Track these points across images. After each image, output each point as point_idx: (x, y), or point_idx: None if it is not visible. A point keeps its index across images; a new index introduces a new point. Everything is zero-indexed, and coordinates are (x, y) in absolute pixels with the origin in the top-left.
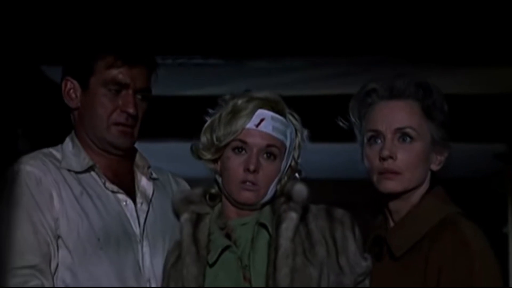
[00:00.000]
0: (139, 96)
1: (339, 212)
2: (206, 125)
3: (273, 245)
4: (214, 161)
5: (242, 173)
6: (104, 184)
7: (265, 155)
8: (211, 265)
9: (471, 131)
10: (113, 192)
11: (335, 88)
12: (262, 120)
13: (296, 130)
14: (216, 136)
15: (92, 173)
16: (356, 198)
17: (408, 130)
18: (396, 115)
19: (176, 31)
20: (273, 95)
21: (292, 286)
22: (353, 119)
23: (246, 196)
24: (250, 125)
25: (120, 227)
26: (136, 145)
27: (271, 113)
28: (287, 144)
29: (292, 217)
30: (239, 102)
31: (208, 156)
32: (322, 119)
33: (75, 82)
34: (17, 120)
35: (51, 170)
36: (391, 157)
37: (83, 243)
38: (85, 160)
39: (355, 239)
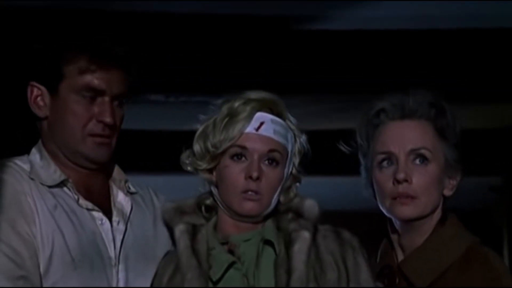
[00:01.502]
0: (115, 103)
1: (347, 234)
2: (198, 132)
3: (284, 267)
4: (209, 170)
5: (243, 181)
6: (78, 201)
7: (267, 161)
8: (215, 282)
9: (467, 164)
10: (87, 209)
11: (334, 123)
12: (262, 123)
13: (295, 135)
14: (211, 143)
15: (64, 188)
16: (356, 229)
17: (423, 151)
18: (409, 135)
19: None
20: (272, 96)
21: None
22: (360, 142)
23: (249, 207)
24: (250, 129)
25: (95, 248)
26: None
27: (270, 116)
28: (289, 148)
29: (306, 237)
30: (236, 105)
31: (203, 165)
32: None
33: (42, 88)
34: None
35: (24, 179)
36: (406, 180)
37: (57, 261)
38: (56, 173)
39: (367, 266)
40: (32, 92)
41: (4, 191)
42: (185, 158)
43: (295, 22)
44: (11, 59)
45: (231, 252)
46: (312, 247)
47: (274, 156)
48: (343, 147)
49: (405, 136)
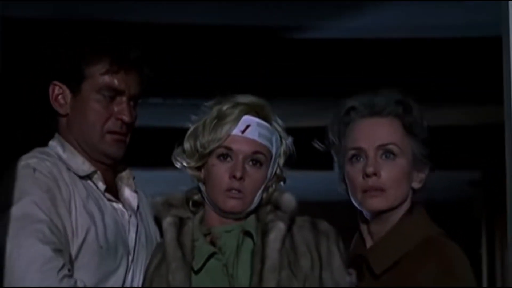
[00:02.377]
0: (132, 103)
1: (324, 225)
2: (189, 131)
3: (259, 255)
4: (198, 168)
5: (227, 180)
6: (104, 192)
7: (251, 162)
8: (196, 272)
9: (448, 159)
10: (110, 201)
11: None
12: (248, 126)
13: (281, 137)
14: (200, 143)
15: (89, 180)
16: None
17: (391, 147)
18: (378, 132)
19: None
20: (259, 101)
21: None
22: (332, 139)
23: (232, 204)
24: (236, 131)
25: (119, 238)
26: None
27: (256, 119)
28: (273, 151)
29: (280, 227)
30: (224, 108)
31: (191, 163)
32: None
33: (64, 87)
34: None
35: (60, 167)
36: (375, 174)
37: (86, 249)
38: (84, 164)
39: (340, 254)
40: (54, 90)
41: (45, 174)
42: (176, 155)
43: (286, 32)
44: (34, 61)
45: (213, 243)
46: (287, 237)
47: (258, 157)
48: (317, 145)
49: (374, 132)
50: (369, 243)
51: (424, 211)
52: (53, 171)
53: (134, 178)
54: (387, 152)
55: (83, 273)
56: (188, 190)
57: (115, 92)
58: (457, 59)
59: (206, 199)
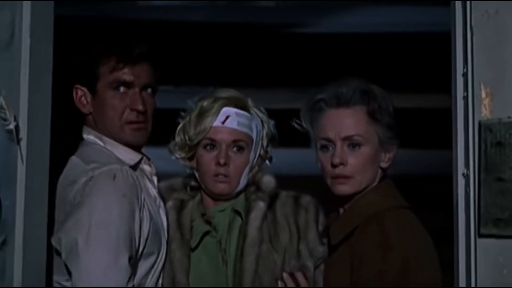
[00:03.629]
0: (145, 93)
1: (305, 199)
2: (179, 127)
3: (242, 232)
4: (190, 158)
5: (214, 167)
6: (151, 176)
7: (234, 149)
8: (193, 249)
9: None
10: (153, 186)
11: None
12: (227, 117)
13: (262, 122)
14: (188, 136)
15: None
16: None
17: (356, 138)
18: (343, 123)
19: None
20: (236, 93)
21: (257, 271)
22: (305, 125)
23: (221, 187)
24: (217, 123)
25: (162, 226)
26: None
27: (235, 110)
28: (254, 136)
29: (260, 206)
30: (205, 103)
31: (183, 154)
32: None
33: (84, 89)
34: None
35: (126, 166)
36: (342, 164)
37: (150, 240)
38: (129, 153)
39: (317, 226)
40: (77, 93)
41: (124, 179)
42: (171, 147)
43: (284, 28)
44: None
45: (208, 222)
46: (269, 213)
47: (239, 144)
48: (296, 124)
49: (340, 124)
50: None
51: (387, 186)
52: (132, 175)
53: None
54: (352, 143)
55: (148, 261)
56: (186, 175)
57: (125, 85)
58: (412, 53)
59: (201, 184)
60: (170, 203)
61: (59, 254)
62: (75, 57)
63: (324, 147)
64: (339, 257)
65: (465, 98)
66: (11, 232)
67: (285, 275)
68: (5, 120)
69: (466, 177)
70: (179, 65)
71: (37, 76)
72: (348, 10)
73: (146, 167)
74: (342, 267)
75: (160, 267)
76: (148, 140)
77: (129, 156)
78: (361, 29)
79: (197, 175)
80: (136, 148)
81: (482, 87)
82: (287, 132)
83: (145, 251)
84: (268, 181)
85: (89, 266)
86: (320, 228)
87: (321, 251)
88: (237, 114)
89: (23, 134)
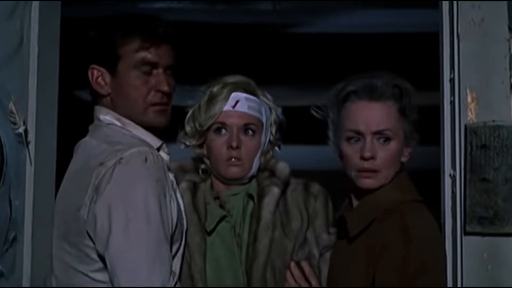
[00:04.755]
0: (167, 73)
1: (315, 187)
2: (188, 115)
3: (255, 216)
4: (200, 146)
5: (226, 151)
6: (168, 163)
7: (244, 132)
8: (209, 234)
9: None
10: (170, 171)
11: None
12: (237, 101)
13: (270, 108)
14: (198, 122)
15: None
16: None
17: (387, 132)
18: (375, 117)
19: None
20: (245, 78)
21: (270, 255)
22: (331, 115)
23: (233, 171)
24: (227, 107)
25: (181, 210)
26: None
27: (245, 95)
28: (263, 120)
29: (274, 192)
30: (215, 89)
31: (193, 142)
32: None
33: (102, 69)
34: None
35: (154, 150)
36: (372, 158)
37: (178, 227)
38: (152, 138)
39: (325, 215)
40: (93, 74)
41: (155, 163)
42: (180, 137)
43: (281, 28)
44: (72, 49)
45: (221, 206)
46: (281, 201)
47: (250, 127)
48: (315, 112)
49: (372, 117)
50: (355, 206)
51: (403, 179)
52: (161, 159)
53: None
54: (382, 137)
55: (174, 247)
56: (194, 157)
57: (150, 66)
58: (406, 52)
59: (212, 171)
60: (184, 185)
61: (81, 243)
62: (91, 35)
63: (351, 139)
64: (353, 248)
65: (452, 103)
66: (21, 230)
67: (292, 264)
68: (14, 124)
69: (453, 177)
70: (179, 65)
71: (44, 82)
72: (343, 12)
73: (164, 154)
74: (357, 258)
75: (181, 252)
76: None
77: (153, 141)
78: (355, 29)
79: (207, 162)
80: (156, 132)
81: (468, 92)
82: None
83: (174, 238)
84: (283, 167)
85: (132, 263)
86: (330, 217)
87: (326, 239)
88: (246, 98)
89: (31, 137)
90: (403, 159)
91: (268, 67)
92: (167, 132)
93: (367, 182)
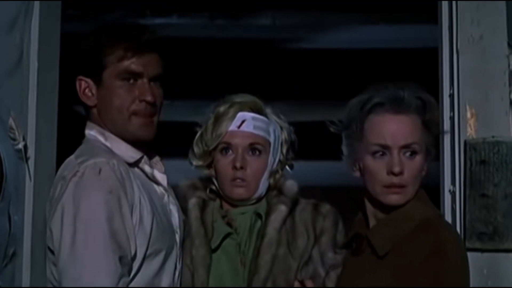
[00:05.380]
0: (154, 84)
1: (325, 207)
2: (196, 136)
3: (260, 232)
4: (208, 166)
5: (231, 171)
6: (151, 175)
7: (250, 152)
8: (214, 250)
9: None
10: (157, 184)
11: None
12: (243, 121)
13: (281, 127)
14: (205, 142)
15: (135, 168)
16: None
17: (414, 146)
18: (402, 131)
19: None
20: (251, 98)
21: (272, 271)
22: (350, 124)
23: (238, 192)
24: (233, 127)
25: (168, 220)
26: None
27: (251, 114)
28: (271, 140)
29: (282, 209)
30: (221, 109)
31: (201, 162)
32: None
33: (88, 80)
34: None
35: (122, 163)
36: (401, 173)
37: (154, 237)
38: (130, 150)
39: (332, 232)
40: (80, 85)
41: (111, 174)
42: (191, 158)
43: (280, 44)
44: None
45: (229, 224)
46: (289, 219)
47: (256, 147)
48: (330, 126)
49: (398, 131)
50: (372, 222)
51: (424, 193)
52: (120, 169)
53: (160, 160)
54: (409, 151)
55: (156, 259)
56: (204, 177)
57: (134, 76)
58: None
59: (220, 192)
60: (193, 200)
61: (49, 258)
62: (79, 47)
63: (376, 153)
64: (377, 265)
65: (452, 118)
66: (20, 245)
67: (296, 282)
68: (14, 140)
69: (452, 193)
70: (179, 80)
71: (44, 97)
72: (342, 27)
73: (146, 167)
74: (383, 276)
75: (173, 265)
76: (154, 136)
77: (129, 153)
78: (355, 45)
79: (215, 182)
80: (140, 146)
81: (467, 107)
82: None
83: (149, 250)
84: (290, 185)
85: (77, 272)
86: (338, 236)
87: (332, 258)
88: (253, 118)
89: (31, 153)
90: (423, 173)
91: (268, 82)
92: (172, 148)
93: (395, 198)
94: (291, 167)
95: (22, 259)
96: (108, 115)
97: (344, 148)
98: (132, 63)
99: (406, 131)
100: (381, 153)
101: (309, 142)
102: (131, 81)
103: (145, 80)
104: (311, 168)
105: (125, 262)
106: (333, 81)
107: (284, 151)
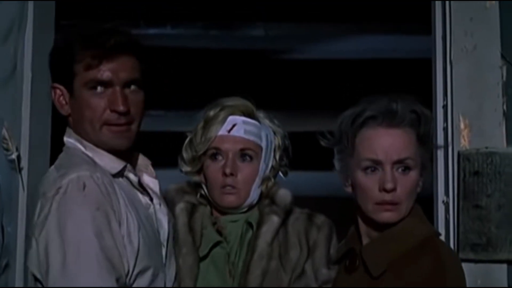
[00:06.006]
0: (129, 90)
1: (320, 218)
2: (186, 141)
3: (251, 245)
4: (198, 172)
5: (221, 178)
6: (138, 182)
7: (241, 158)
8: (202, 258)
9: None
10: (141, 193)
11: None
12: (234, 125)
13: (274, 132)
14: (194, 147)
15: (120, 178)
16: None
17: (408, 161)
18: (395, 145)
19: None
20: (242, 101)
21: (262, 286)
22: (343, 142)
23: (228, 200)
24: (223, 131)
25: (155, 233)
26: None
27: (242, 118)
28: (263, 145)
29: (274, 220)
30: (211, 112)
31: (190, 168)
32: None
33: (62, 87)
34: None
35: (106, 175)
36: (394, 190)
37: (141, 253)
38: (112, 161)
39: (326, 246)
40: (55, 93)
41: (96, 189)
42: (180, 164)
43: (273, 54)
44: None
45: (219, 232)
46: (281, 230)
47: (247, 152)
48: (321, 139)
49: (391, 145)
50: (365, 239)
51: (419, 209)
52: (105, 183)
53: (151, 165)
54: (402, 166)
55: (143, 278)
56: (194, 181)
57: (102, 84)
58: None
59: (209, 198)
60: (181, 205)
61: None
62: (52, 53)
63: (368, 168)
64: (379, 285)
65: (445, 129)
66: (13, 256)
67: None
68: (7, 150)
69: (446, 204)
70: (173, 90)
71: (37, 108)
72: (335, 38)
73: (131, 175)
74: None
75: (162, 283)
76: (133, 145)
77: (111, 164)
78: (348, 55)
79: (205, 189)
80: (120, 154)
81: (461, 118)
82: None
83: (137, 268)
84: (284, 194)
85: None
86: (332, 250)
87: (326, 274)
88: (244, 122)
89: (24, 163)
90: (418, 189)
91: (260, 92)
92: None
93: (387, 216)
94: (286, 174)
95: (15, 271)
96: (81, 124)
97: (336, 163)
98: (98, 72)
99: (399, 146)
100: (372, 168)
101: (302, 152)
102: (100, 89)
103: (116, 88)
104: (306, 178)
105: (121, 282)
106: (326, 92)
107: (277, 157)
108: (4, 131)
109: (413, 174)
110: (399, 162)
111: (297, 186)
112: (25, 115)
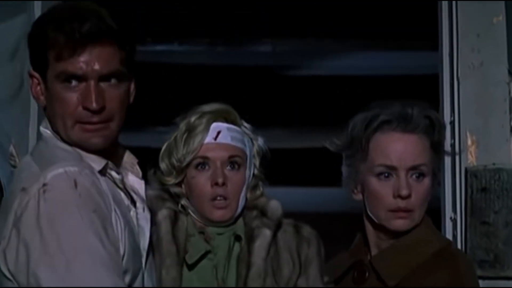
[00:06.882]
0: (107, 84)
1: (307, 230)
2: (162, 150)
3: (245, 261)
4: (178, 184)
5: (210, 189)
6: (121, 180)
7: (229, 166)
8: (189, 266)
9: None
10: (124, 192)
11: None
12: (219, 132)
13: (251, 139)
14: (176, 158)
15: (102, 176)
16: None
17: (423, 168)
18: (410, 151)
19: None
20: (224, 106)
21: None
22: (357, 147)
23: (220, 214)
24: (208, 139)
25: (136, 238)
26: None
27: (226, 125)
28: (247, 152)
29: (266, 234)
30: (192, 120)
31: (171, 180)
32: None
33: (37, 75)
34: None
35: (95, 174)
36: (409, 196)
37: (128, 252)
38: (92, 159)
39: (318, 263)
40: (32, 81)
41: (88, 188)
42: (151, 177)
43: (280, 70)
44: None
45: (206, 241)
46: (273, 244)
47: (235, 160)
48: (328, 145)
49: (407, 151)
50: (374, 249)
51: (430, 220)
52: (94, 180)
53: (138, 163)
54: (416, 173)
55: (131, 276)
56: (172, 187)
57: (76, 78)
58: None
59: (191, 212)
60: (164, 212)
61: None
62: (29, 35)
63: (381, 174)
64: None
65: (452, 146)
66: None
67: None
68: (14, 167)
69: (454, 220)
70: (180, 106)
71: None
72: (342, 54)
73: (113, 173)
74: None
75: (139, 283)
76: (112, 144)
77: (90, 162)
78: (355, 72)
79: (186, 202)
80: (102, 150)
81: (468, 135)
82: (282, 170)
83: (125, 268)
84: (275, 206)
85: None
86: (323, 265)
87: None
88: (228, 128)
89: None
90: (429, 198)
91: (267, 108)
92: None
93: (400, 224)
94: (264, 182)
95: None
96: (54, 120)
97: (344, 169)
98: (69, 64)
99: (414, 152)
100: (386, 174)
101: (307, 168)
102: (75, 83)
103: (91, 82)
104: (309, 194)
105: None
106: (332, 108)
107: (257, 163)
108: (11, 148)
109: (426, 181)
110: (413, 168)
111: (302, 202)
112: (32, 131)
